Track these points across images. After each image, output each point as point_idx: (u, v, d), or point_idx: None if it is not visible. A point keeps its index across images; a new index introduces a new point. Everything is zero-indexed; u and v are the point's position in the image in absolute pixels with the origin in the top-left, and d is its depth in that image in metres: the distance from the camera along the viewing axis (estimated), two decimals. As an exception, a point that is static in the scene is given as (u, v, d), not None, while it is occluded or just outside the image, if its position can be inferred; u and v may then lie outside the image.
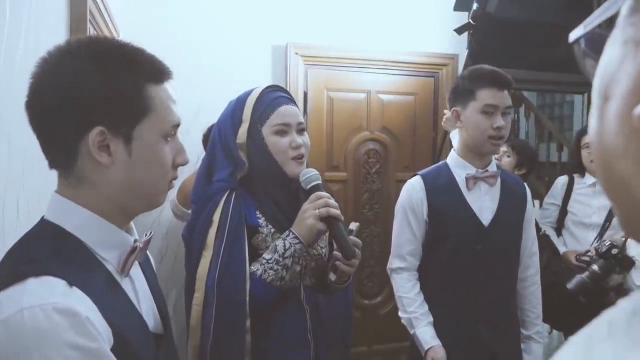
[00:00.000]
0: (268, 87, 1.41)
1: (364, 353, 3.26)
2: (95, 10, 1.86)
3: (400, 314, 1.82)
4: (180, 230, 2.65)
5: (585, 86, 3.94)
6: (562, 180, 2.81)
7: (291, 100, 1.41)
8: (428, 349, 1.70)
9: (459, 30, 2.87)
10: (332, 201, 1.33)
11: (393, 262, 1.86)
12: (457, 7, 2.82)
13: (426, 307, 1.78)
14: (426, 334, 1.72)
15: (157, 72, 0.82)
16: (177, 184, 1.99)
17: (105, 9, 2.02)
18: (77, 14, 1.58)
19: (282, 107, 1.37)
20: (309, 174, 1.37)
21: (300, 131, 1.39)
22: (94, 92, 0.75)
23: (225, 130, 1.39)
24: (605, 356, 0.33)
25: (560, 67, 4.12)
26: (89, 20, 1.68)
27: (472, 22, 2.72)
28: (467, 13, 2.83)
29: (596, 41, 0.37)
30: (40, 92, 0.76)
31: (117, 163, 0.78)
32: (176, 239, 2.74)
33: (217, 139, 1.40)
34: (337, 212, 1.32)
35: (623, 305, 0.36)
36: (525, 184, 1.92)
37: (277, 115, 1.35)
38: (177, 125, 0.86)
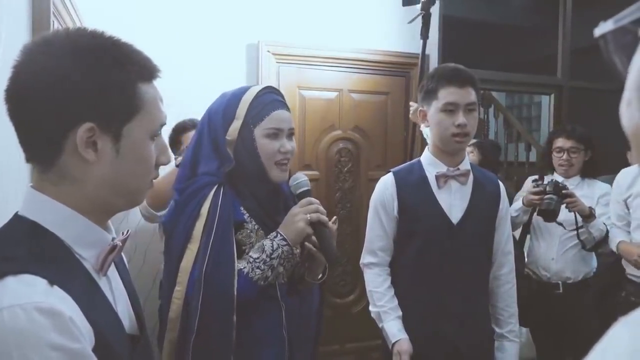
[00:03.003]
0: (265, 87, 1.43)
1: (336, 351, 3.27)
2: (61, 4, 1.81)
3: (370, 307, 1.84)
4: (149, 230, 2.63)
5: (553, 88, 4.04)
6: (532, 178, 2.88)
7: (285, 105, 1.43)
8: (394, 342, 1.72)
9: (411, 21, 2.92)
10: (321, 208, 1.38)
11: (365, 257, 1.88)
12: (406, 3, 2.87)
13: (396, 301, 1.80)
14: (393, 327, 1.74)
15: (149, 70, 0.81)
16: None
17: (72, 4, 1.97)
18: (40, 9, 1.53)
19: (277, 112, 1.38)
20: (299, 180, 1.41)
21: (290, 136, 1.41)
22: (87, 87, 0.73)
23: (215, 123, 1.39)
24: None
25: (528, 69, 4.21)
26: (53, 13, 1.63)
27: (422, 12, 2.77)
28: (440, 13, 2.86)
29: (624, 37, 0.38)
30: (26, 84, 0.73)
31: (102, 160, 0.76)
32: (144, 239, 2.70)
33: (205, 129, 1.40)
34: (326, 219, 1.37)
35: None
36: (500, 182, 1.91)
37: (272, 119, 1.37)
38: (164, 124, 0.85)
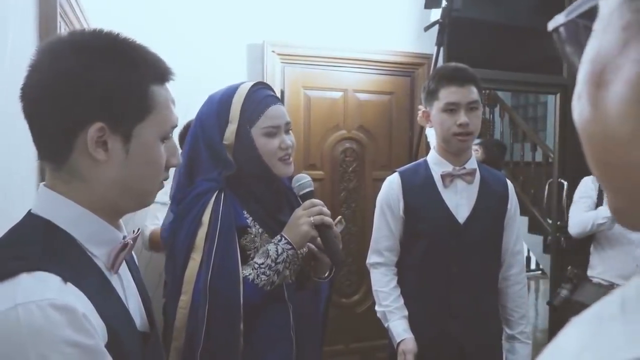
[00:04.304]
0: (254, 85, 1.38)
1: (341, 351, 3.27)
2: (67, 5, 1.82)
3: (376, 307, 1.84)
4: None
5: (559, 87, 4.02)
6: (591, 178, 2.72)
7: (278, 99, 1.40)
8: (400, 341, 1.72)
9: (427, 28, 2.91)
10: (325, 209, 1.36)
11: (371, 257, 1.88)
12: (428, 5, 2.86)
13: (401, 301, 1.80)
14: (399, 327, 1.75)
15: (162, 72, 0.82)
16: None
17: (77, 4, 1.98)
18: (47, 9, 1.54)
19: (271, 108, 1.35)
20: (302, 181, 1.39)
21: (288, 131, 1.39)
22: (98, 87, 0.74)
23: (210, 130, 1.35)
24: (618, 336, 0.30)
25: (534, 68, 4.19)
26: (60, 14, 1.64)
27: (440, 19, 2.76)
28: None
29: (576, 30, 0.37)
30: (40, 82, 0.74)
31: (112, 161, 0.77)
32: (151, 239, 2.70)
33: (199, 136, 1.37)
34: (330, 220, 1.35)
35: (638, 282, 0.33)
36: (508, 181, 1.91)
37: (267, 118, 1.34)
38: (175, 127, 0.86)
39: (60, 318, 0.64)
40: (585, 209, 2.63)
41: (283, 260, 1.30)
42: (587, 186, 2.74)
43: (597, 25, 0.35)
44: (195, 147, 1.37)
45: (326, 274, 1.46)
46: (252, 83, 1.39)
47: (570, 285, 2.72)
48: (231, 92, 1.37)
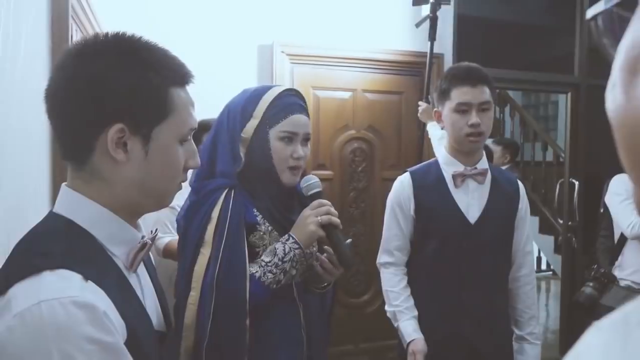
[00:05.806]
0: (287, 89, 1.42)
1: (350, 351, 3.27)
2: (78, 7, 1.84)
3: (386, 307, 1.84)
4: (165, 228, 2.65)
5: (570, 86, 3.98)
6: (626, 176, 2.64)
7: (305, 110, 1.42)
8: (409, 342, 1.72)
9: (418, 24, 2.90)
10: (333, 209, 1.36)
11: (381, 257, 1.88)
12: (416, 2, 2.86)
13: (411, 301, 1.80)
14: (409, 327, 1.75)
15: (182, 75, 0.84)
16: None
17: (89, 6, 2.00)
18: (59, 11, 1.55)
19: (294, 116, 1.37)
20: (311, 181, 1.39)
21: (305, 141, 1.41)
22: (119, 89, 0.76)
23: (234, 119, 1.38)
24: None
25: (545, 67, 4.15)
26: (71, 17, 1.66)
27: (430, 14, 2.77)
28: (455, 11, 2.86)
29: (613, 20, 0.36)
30: (63, 84, 0.76)
31: (132, 161, 0.79)
32: (161, 238, 2.71)
33: (225, 124, 1.39)
34: (338, 220, 1.36)
35: None
36: (519, 182, 1.90)
37: (288, 123, 1.36)
38: (194, 129, 0.87)
39: (81, 315, 0.65)
40: (634, 210, 2.57)
41: (290, 259, 1.31)
42: (618, 187, 2.60)
43: (637, 12, 0.34)
44: (218, 135, 1.40)
45: (324, 285, 1.45)
46: (286, 87, 1.43)
47: (598, 285, 2.67)
48: (264, 90, 1.40)
